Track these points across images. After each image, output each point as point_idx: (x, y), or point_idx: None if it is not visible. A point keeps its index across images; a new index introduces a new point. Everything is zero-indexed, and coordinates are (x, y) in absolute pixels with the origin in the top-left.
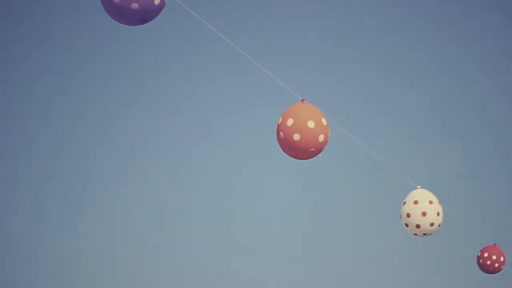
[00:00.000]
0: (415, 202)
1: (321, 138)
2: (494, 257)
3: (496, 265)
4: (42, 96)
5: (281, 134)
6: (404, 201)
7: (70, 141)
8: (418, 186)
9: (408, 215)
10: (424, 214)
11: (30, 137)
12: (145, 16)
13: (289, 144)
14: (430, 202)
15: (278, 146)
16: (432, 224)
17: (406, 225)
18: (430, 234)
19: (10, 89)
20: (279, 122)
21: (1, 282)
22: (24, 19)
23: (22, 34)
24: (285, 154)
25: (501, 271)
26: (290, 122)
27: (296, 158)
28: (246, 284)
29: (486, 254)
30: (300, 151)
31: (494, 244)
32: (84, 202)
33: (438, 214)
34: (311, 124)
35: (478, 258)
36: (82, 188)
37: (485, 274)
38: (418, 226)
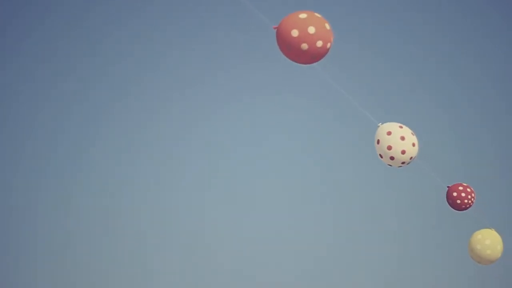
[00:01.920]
0: (389, 133)
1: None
2: (460, 188)
3: (466, 200)
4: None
5: (305, 45)
6: (376, 140)
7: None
8: (379, 124)
9: (390, 148)
10: (403, 138)
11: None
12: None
13: (314, 53)
14: (401, 127)
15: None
16: (413, 144)
17: (392, 158)
18: (415, 157)
19: None
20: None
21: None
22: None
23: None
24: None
25: (470, 207)
26: (311, 30)
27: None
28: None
29: (455, 194)
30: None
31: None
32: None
33: (412, 133)
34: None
35: (448, 196)
36: (82, 186)
37: (455, 210)
38: (404, 152)
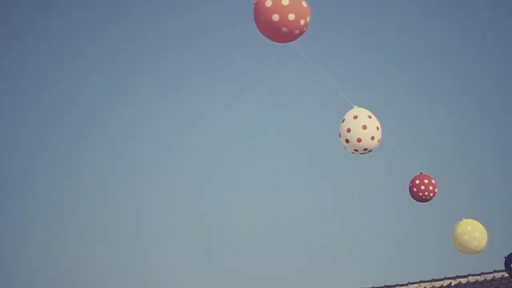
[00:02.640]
0: (355, 117)
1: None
2: (426, 181)
3: (430, 188)
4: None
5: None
6: (342, 119)
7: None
8: (354, 106)
9: (349, 130)
10: (364, 127)
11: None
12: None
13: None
14: (369, 117)
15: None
16: (372, 138)
17: (347, 141)
18: (370, 150)
19: None
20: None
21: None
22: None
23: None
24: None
25: (432, 199)
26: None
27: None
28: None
29: (417, 181)
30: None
31: (420, 173)
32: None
33: (377, 128)
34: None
35: (411, 187)
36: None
37: (417, 202)
38: (359, 140)
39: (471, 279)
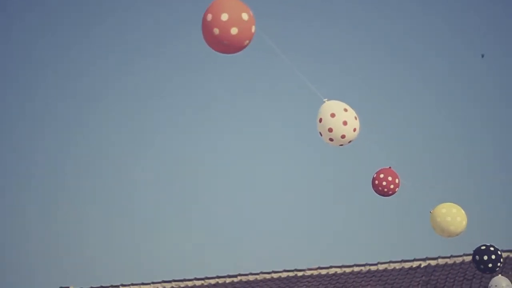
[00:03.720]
0: (332, 115)
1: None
2: (389, 179)
3: (391, 186)
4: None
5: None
6: (319, 118)
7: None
8: (325, 99)
9: (331, 130)
10: (345, 123)
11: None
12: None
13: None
14: (345, 110)
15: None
16: (354, 130)
17: (331, 139)
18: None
19: None
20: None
21: None
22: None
23: None
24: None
25: (395, 194)
26: (225, 17)
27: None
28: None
29: (382, 175)
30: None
31: (389, 167)
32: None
33: (356, 118)
34: (245, 16)
35: (374, 179)
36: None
37: (380, 196)
38: (343, 136)
39: (441, 261)
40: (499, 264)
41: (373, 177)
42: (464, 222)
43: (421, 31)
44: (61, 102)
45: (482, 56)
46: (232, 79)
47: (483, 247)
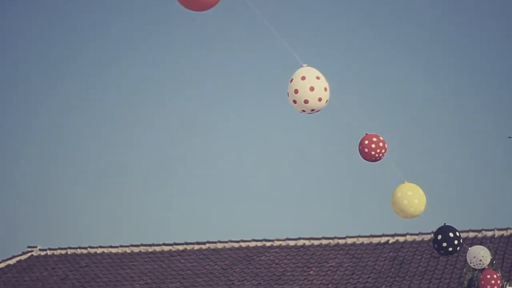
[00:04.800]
0: (303, 78)
1: None
2: (373, 146)
3: (378, 150)
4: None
5: None
6: (291, 78)
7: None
8: (304, 64)
9: (296, 91)
10: (312, 89)
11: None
12: None
13: None
14: (317, 78)
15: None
16: (320, 99)
17: (294, 101)
18: (318, 111)
19: None
20: None
21: None
22: None
23: None
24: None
25: (381, 159)
26: None
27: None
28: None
29: (366, 142)
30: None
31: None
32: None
33: (325, 89)
34: None
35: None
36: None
37: (367, 161)
38: (306, 102)
39: (409, 238)
40: (458, 248)
41: (360, 148)
42: (422, 206)
43: None
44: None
45: (510, 137)
46: (209, 38)
47: (445, 229)
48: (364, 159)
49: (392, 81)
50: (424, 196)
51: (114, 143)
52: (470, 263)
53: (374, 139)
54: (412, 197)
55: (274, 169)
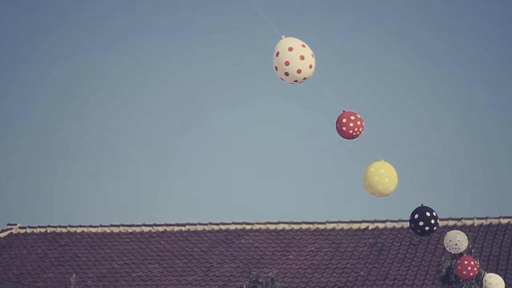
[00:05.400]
0: (290, 49)
1: None
2: (358, 123)
3: (356, 129)
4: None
5: None
6: (276, 52)
7: None
8: (283, 36)
9: (287, 63)
10: (302, 58)
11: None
12: None
13: None
14: (303, 46)
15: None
16: (310, 66)
17: (286, 74)
18: (308, 78)
19: None
20: None
21: None
22: None
23: None
24: None
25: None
26: None
27: None
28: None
29: (344, 120)
30: None
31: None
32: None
33: (312, 55)
34: None
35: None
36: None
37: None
38: (299, 71)
39: (389, 225)
40: (435, 228)
41: (338, 126)
42: (392, 187)
43: None
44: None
45: None
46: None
47: (421, 211)
48: (342, 137)
49: (376, 57)
50: (396, 178)
51: (95, 120)
52: (447, 246)
53: (352, 117)
54: (384, 175)
55: (254, 153)
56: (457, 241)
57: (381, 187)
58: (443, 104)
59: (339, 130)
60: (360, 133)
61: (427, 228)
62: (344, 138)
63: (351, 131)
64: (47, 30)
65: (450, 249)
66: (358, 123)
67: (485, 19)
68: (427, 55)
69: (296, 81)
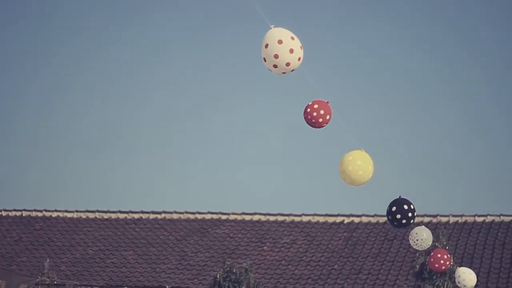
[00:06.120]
0: (280, 42)
1: None
2: (322, 112)
3: (320, 120)
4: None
5: None
6: (265, 43)
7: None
8: (271, 26)
9: (276, 56)
10: (291, 51)
11: None
12: None
13: None
14: (292, 38)
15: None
16: (299, 59)
17: (275, 66)
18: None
19: None
20: None
21: None
22: None
23: None
24: None
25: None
26: None
27: None
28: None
29: (316, 106)
30: None
31: (327, 102)
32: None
33: (301, 47)
34: None
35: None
36: None
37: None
38: (288, 64)
39: (364, 219)
40: (412, 220)
41: (305, 115)
42: (363, 180)
43: None
44: None
45: None
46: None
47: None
48: (311, 126)
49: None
50: (371, 172)
51: (74, 105)
52: (410, 239)
53: (315, 106)
54: (359, 167)
55: (231, 143)
56: (420, 238)
57: (354, 177)
58: (425, 100)
59: (306, 119)
60: (325, 120)
61: (404, 221)
62: (313, 127)
63: (321, 120)
64: (44, 29)
65: (414, 244)
66: (322, 112)
67: (485, 19)
68: (418, 45)
69: (284, 72)
